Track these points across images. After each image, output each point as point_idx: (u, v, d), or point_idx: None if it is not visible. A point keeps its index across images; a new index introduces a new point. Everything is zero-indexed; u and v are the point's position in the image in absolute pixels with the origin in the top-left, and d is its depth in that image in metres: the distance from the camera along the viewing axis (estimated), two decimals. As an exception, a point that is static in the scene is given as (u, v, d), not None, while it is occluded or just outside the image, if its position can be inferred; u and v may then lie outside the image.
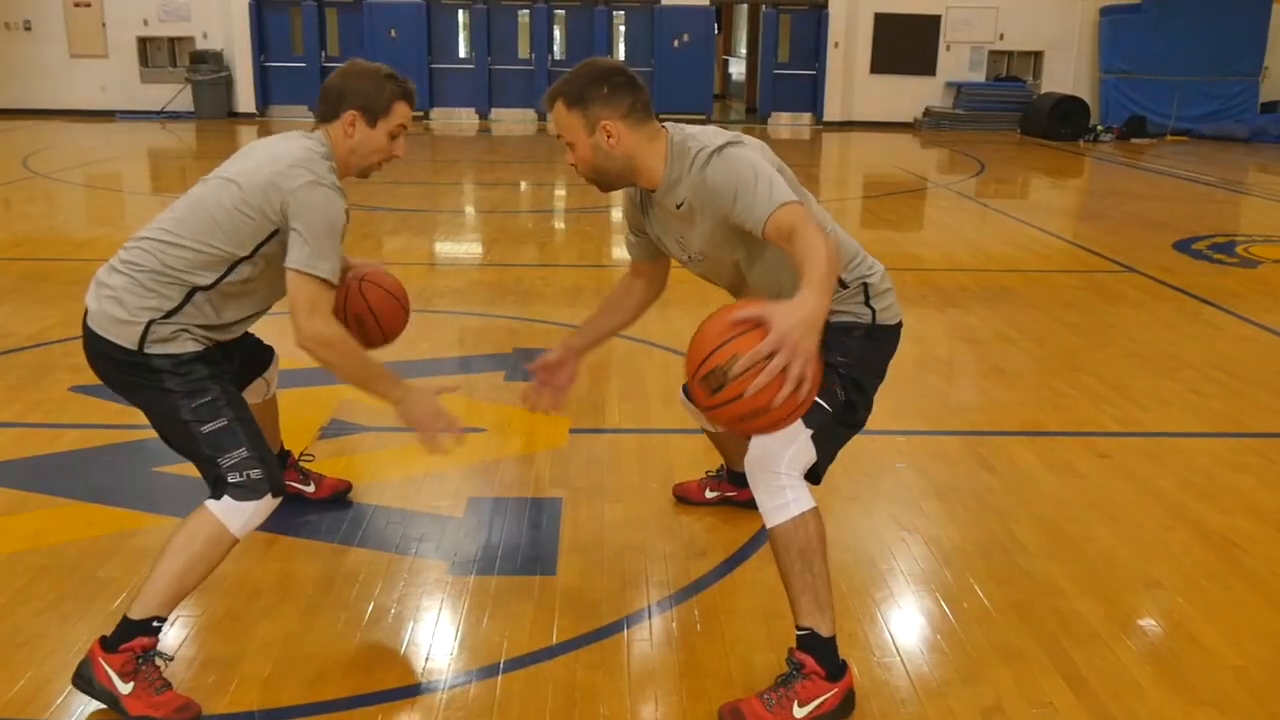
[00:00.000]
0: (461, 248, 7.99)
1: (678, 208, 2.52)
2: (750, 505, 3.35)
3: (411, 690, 2.54)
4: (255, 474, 2.49)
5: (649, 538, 3.32)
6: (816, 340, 2.06)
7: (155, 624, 2.43)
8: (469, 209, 10.18)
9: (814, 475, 2.55)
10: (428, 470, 3.81)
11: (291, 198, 2.49)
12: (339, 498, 3.53)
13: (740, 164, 2.38)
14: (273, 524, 3.30)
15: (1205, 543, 3.36)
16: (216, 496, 2.49)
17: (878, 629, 2.85)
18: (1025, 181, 13.29)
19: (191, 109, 18.25)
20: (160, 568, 2.44)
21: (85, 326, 2.57)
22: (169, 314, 2.51)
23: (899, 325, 2.71)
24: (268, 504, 2.52)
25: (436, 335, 5.59)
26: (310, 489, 3.51)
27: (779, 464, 2.44)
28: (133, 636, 2.40)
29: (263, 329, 2.99)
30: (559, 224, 9.36)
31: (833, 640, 2.43)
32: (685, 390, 3.10)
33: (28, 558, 3.13)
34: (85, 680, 2.41)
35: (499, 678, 2.58)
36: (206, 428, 2.50)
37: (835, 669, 2.42)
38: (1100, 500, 3.67)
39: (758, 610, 2.91)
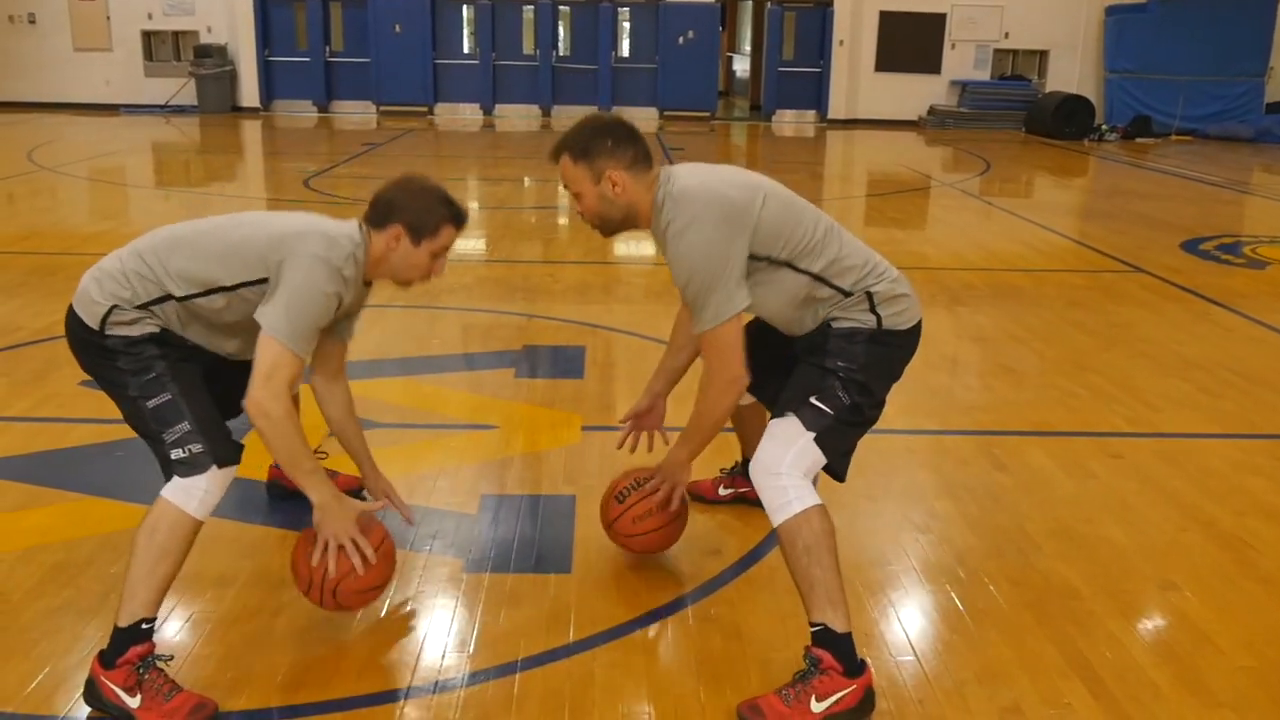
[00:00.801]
0: (468, 244, 7.98)
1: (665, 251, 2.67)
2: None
3: (429, 687, 2.53)
4: (196, 448, 2.47)
5: (663, 536, 3.32)
6: (686, 474, 2.94)
7: (144, 626, 2.41)
8: (474, 205, 10.17)
9: (835, 473, 2.63)
10: (440, 467, 3.81)
11: (292, 259, 2.50)
12: (352, 494, 3.52)
13: (695, 261, 2.50)
14: (289, 521, 3.35)
15: (1219, 544, 3.36)
16: (167, 479, 2.49)
17: (893, 628, 2.85)
18: (1031, 180, 13.28)
19: (195, 103, 18.24)
20: (131, 568, 2.43)
21: (69, 307, 2.64)
22: (139, 307, 2.55)
23: (912, 330, 2.71)
24: (218, 478, 2.49)
25: (445, 332, 5.59)
26: (324, 486, 3.49)
27: (780, 465, 2.51)
28: (126, 647, 2.38)
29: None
30: (564, 220, 9.35)
31: (848, 636, 2.44)
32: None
33: (40, 553, 3.13)
34: (96, 699, 2.40)
35: (517, 675, 2.58)
36: (152, 403, 2.51)
37: (853, 665, 2.43)
38: (1113, 501, 3.67)
39: (774, 608, 2.91)
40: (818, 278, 2.62)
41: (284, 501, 3.46)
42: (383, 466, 3.75)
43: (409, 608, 2.90)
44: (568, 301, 6.20)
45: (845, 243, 2.67)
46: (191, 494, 2.46)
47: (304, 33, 18.84)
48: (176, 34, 18.78)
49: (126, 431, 4.07)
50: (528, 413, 4.38)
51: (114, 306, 2.54)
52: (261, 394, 2.45)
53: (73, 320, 2.61)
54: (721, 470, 3.57)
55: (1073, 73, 19.10)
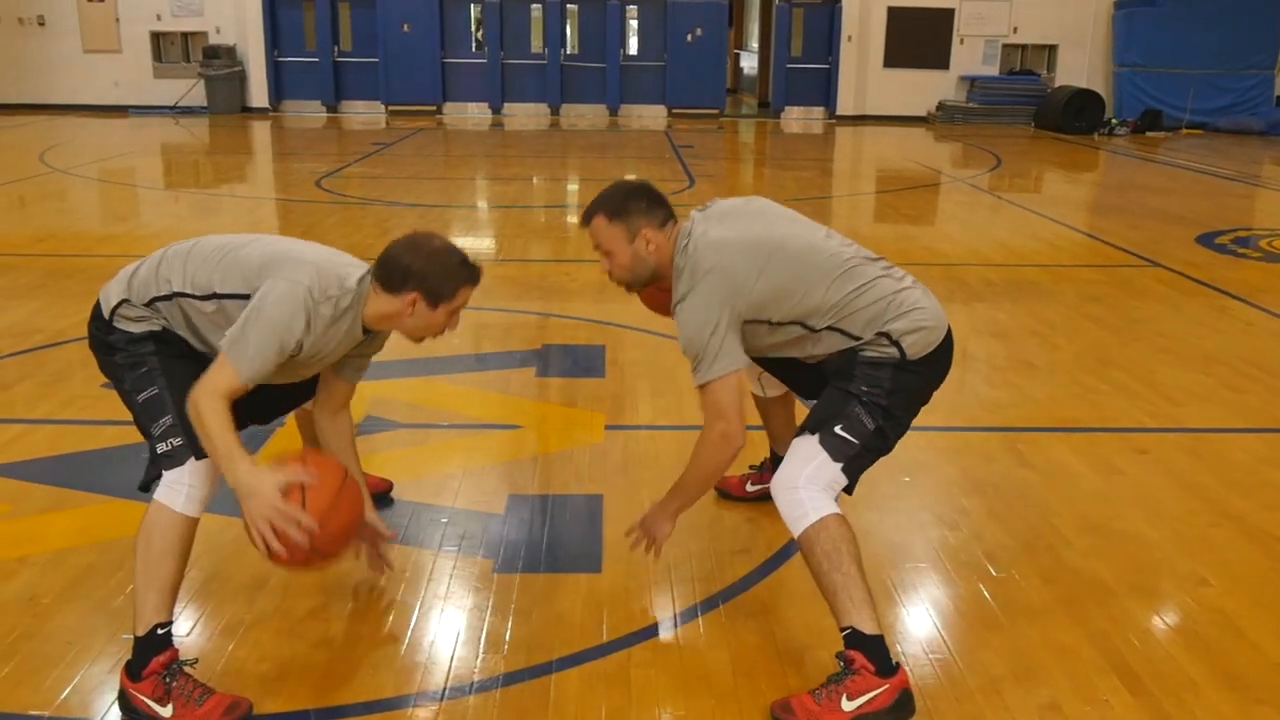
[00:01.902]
0: (482, 243, 7.98)
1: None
2: None
3: (466, 688, 2.53)
4: (176, 441, 2.48)
5: (692, 534, 3.31)
6: (667, 526, 2.85)
7: (160, 631, 2.41)
8: (487, 204, 10.17)
9: (846, 489, 2.65)
10: (465, 467, 3.81)
11: (272, 282, 2.49)
12: (381, 496, 3.53)
13: (692, 326, 2.58)
14: (316, 521, 3.33)
15: (1250, 539, 3.35)
16: (154, 476, 2.50)
17: (927, 626, 2.84)
18: (1043, 175, 13.24)
19: (204, 104, 18.26)
20: (137, 576, 2.44)
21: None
22: (146, 304, 2.60)
23: (937, 353, 2.68)
24: (200, 471, 2.46)
25: (465, 332, 5.58)
26: (350, 486, 3.50)
27: (797, 479, 2.55)
28: (149, 656, 2.39)
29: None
30: (577, 219, 9.34)
31: (879, 638, 2.43)
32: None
33: (72, 555, 3.14)
34: (130, 712, 2.40)
35: (552, 676, 2.58)
36: (142, 396, 2.55)
37: (885, 665, 2.42)
38: (1141, 496, 3.65)
39: (805, 607, 2.90)
40: (831, 329, 2.63)
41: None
42: (408, 467, 3.78)
43: (443, 609, 2.90)
44: (585, 300, 6.20)
45: (865, 287, 2.62)
46: (177, 490, 2.46)
47: (313, 33, 18.84)
48: (185, 35, 18.79)
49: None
50: (551, 412, 4.38)
51: (124, 300, 2.61)
52: (196, 394, 2.43)
53: (92, 313, 2.69)
54: (751, 467, 3.56)
55: (1082, 67, 19.03)
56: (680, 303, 2.62)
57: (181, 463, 2.47)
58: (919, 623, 2.86)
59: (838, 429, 2.56)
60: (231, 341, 2.47)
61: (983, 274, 7.03)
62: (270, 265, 2.54)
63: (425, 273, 2.55)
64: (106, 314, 2.62)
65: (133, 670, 2.41)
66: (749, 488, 3.53)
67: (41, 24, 18.57)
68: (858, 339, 2.63)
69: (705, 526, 3.38)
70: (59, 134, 15.14)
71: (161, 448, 2.49)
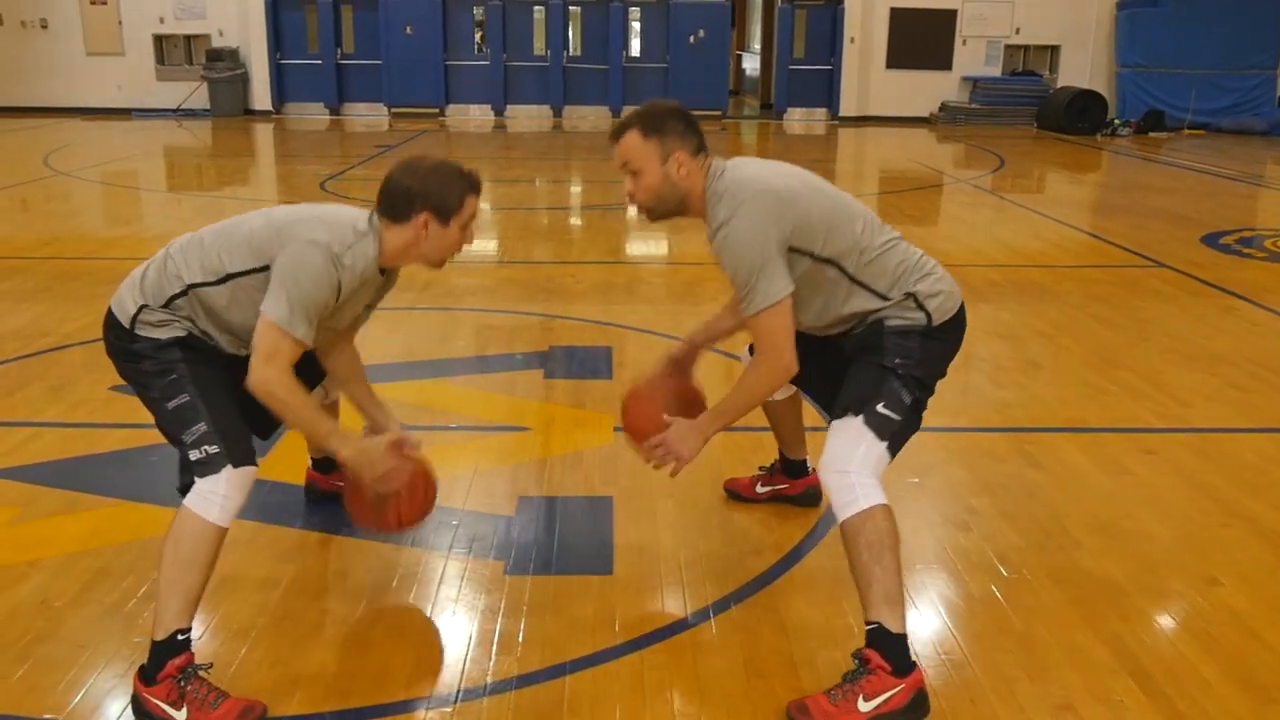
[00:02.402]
0: (488, 245, 7.98)
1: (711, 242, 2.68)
2: (801, 501, 3.42)
3: (480, 690, 2.53)
4: (212, 449, 2.48)
5: (703, 535, 3.32)
6: (696, 445, 2.76)
7: (180, 637, 2.41)
8: (492, 206, 10.17)
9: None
10: (475, 469, 3.81)
11: (289, 245, 2.50)
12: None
13: (740, 249, 2.53)
14: (328, 524, 3.35)
15: (1262, 540, 3.34)
16: (187, 483, 2.50)
17: (941, 626, 2.84)
18: (1046, 176, 13.24)
19: (207, 107, 18.28)
20: (161, 580, 2.44)
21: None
22: (164, 306, 2.58)
23: (957, 318, 2.72)
24: (236, 480, 2.47)
25: (471, 334, 5.59)
26: (360, 489, 3.50)
27: (849, 463, 2.52)
28: (165, 660, 2.38)
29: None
30: (581, 221, 9.36)
31: (902, 637, 2.43)
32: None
33: (83, 559, 3.14)
34: (145, 717, 2.40)
35: (567, 678, 2.58)
36: (172, 404, 2.54)
37: (902, 664, 2.41)
38: (1151, 496, 3.65)
39: (818, 607, 2.91)
40: (859, 283, 2.64)
41: (321, 504, 3.46)
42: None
43: (455, 611, 2.90)
44: (590, 302, 6.20)
45: (892, 243, 2.69)
46: (211, 500, 2.45)
47: (315, 35, 18.86)
48: (188, 38, 18.82)
49: (161, 437, 4.11)
50: (559, 414, 4.38)
51: (143, 306, 2.59)
52: (264, 373, 2.47)
53: (107, 322, 2.67)
54: (761, 468, 3.56)
55: (1084, 68, 19.03)
56: (722, 228, 2.56)
57: (217, 470, 2.46)
58: (932, 623, 2.86)
59: (879, 407, 2.55)
60: (273, 310, 2.47)
61: (987, 275, 7.03)
62: (280, 233, 2.54)
63: (428, 190, 2.57)
64: (127, 322, 2.60)
65: (147, 674, 2.41)
66: (759, 489, 3.52)
67: (44, 27, 18.61)
68: (885, 300, 2.63)
69: (716, 528, 3.38)
70: (62, 137, 15.16)
71: (195, 455, 2.48)
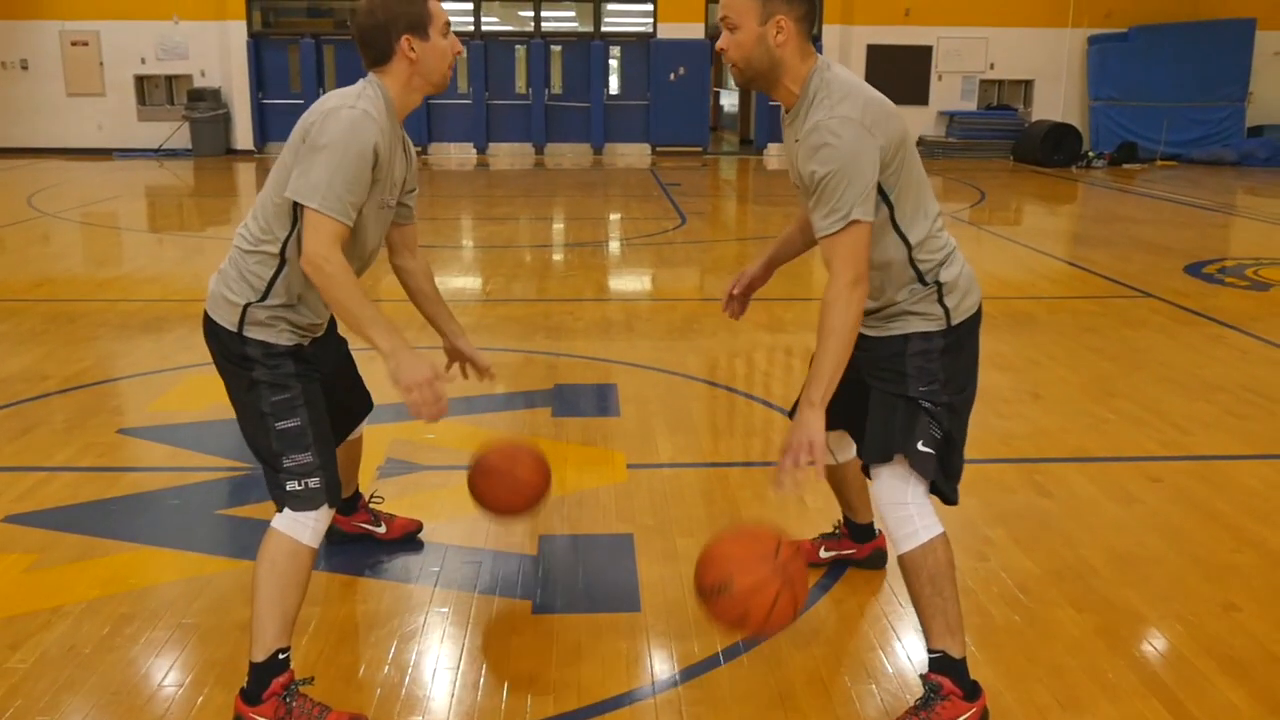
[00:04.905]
0: (483, 284, 8.02)
1: (796, 141, 2.50)
2: (867, 565, 3.33)
3: (520, 730, 2.54)
4: (314, 483, 2.50)
5: (726, 571, 3.33)
6: (816, 424, 2.36)
7: (281, 656, 2.46)
8: (480, 245, 10.22)
9: (945, 496, 2.59)
10: (493, 507, 3.82)
11: (317, 120, 2.40)
12: (410, 538, 3.54)
13: (841, 148, 2.33)
14: (351, 566, 3.36)
15: (1274, 564, 3.40)
16: (279, 508, 2.52)
17: (971, 656, 2.86)
18: (1027, 208, 13.43)
19: (189, 146, 18.28)
20: (258, 602, 2.47)
21: (204, 310, 2.62)
22: (264, 295, 2.52)
23: (976, 315, 2.63)
24: (327, 510, 2.54)
25: (474, 372, 5.59)
26: (381, 530, 3.51)
27: (905, 495, 2.52)
28: (269, 679, 2.43)
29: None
30: (572, 258, 9.41)
31: (964, 662, 2.49)
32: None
33: (107, 604, 3.12)
34: None
35: (606, 715, 2.59)
36: (281, 424, 2.52)
37: (970, 688, 2.48)
38: (1161, 524, 3.71)
39: (849, 640, 2.93)
40: (897, 226, 2.48)
41: (344, 545, 3.46)
42: (435, 509, 3.79)
43: (487, 652, 2.90)
44: (591, 338, 6.23)
45: (933, 205, 2.58)
46: (304, 524, 2.50)
47: (298, 75, 18.93)
48: (170, 78, 18.84)
49: (176, 479, 4.10)
50: (571, 452, 4.40)
51: (247, 305, 2.52)
52: (314, 249, 2.34)
53: (210, 324, 2.59)
54: (822, 534, 3.40)
55: (1057, 101, 19.38)
56: (828, 120, 2.36)
57: (316, 507, 2.50)
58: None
59: (920, 446, 2.49)
60: (301, 191, 2.35)
61: (980, 306, 7.11)
62: (305, 121, 2.44)
63: (395, 13, 2.50)
64: (234, 325, 2.52)
65: (251, 695, 2.44)
66: (823, 554, 3.35)
67: (25, 68, 18.60)
68: (910, 250, 2.48)
69: (738, 563, 3.40)
70: (45, 178, 15.10)
71: (294, 486, 2.49)
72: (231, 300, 2.54)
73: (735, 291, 3.11)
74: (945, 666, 2.45)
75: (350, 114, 2.40)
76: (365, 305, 2.38)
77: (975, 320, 2.65)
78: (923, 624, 2.51)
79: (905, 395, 2.54)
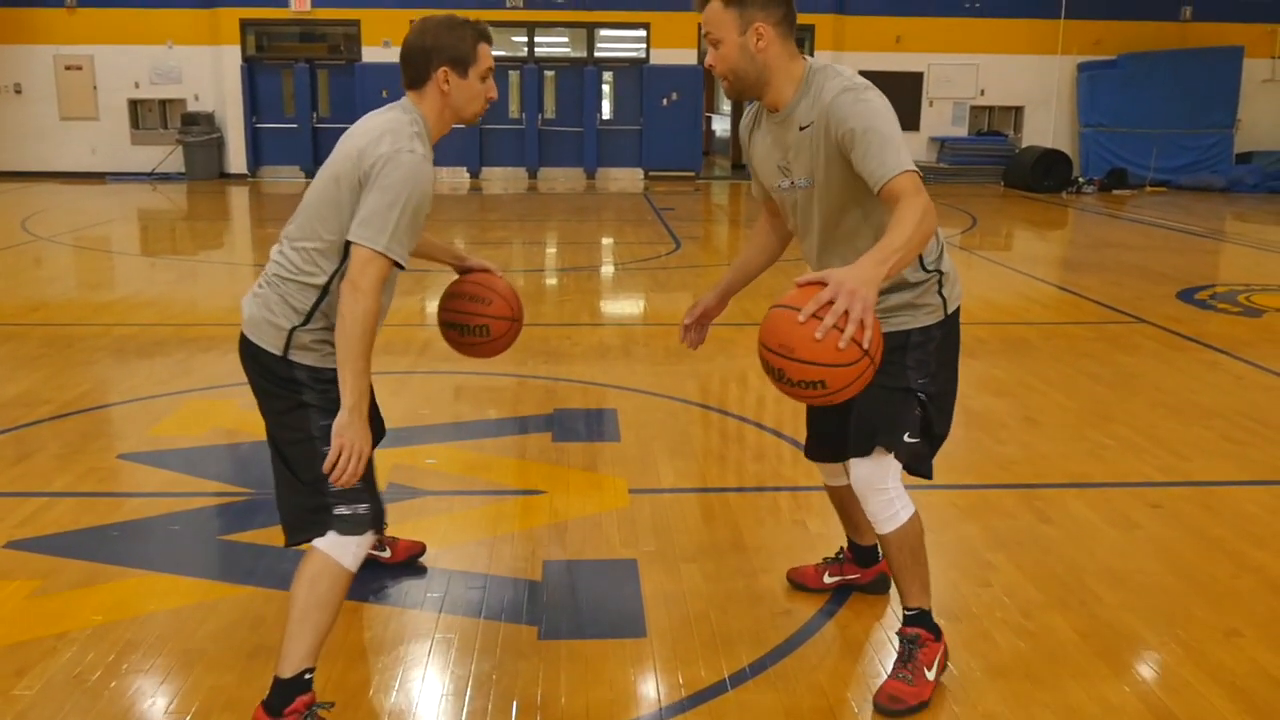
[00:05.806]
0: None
1: (802, 129, 2.56)
2: (871, 589, 3.37)
3: (530, 757, 2.54)
4: (363, 509, 2.54)
5: (730, 598, 3.35)
6: (874, 293, 2.14)
7: (307, 676, 2.49)
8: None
9: (924, 472, 2.84)
10: (495, 533, 3.83)
11: (378, 163, 2.45)
12: (413, 560, 3.55)
13: (877, 114, 2.43)
14: (355, 592, 3.34)
15: (1275, 591, 3.42)
16: (320, 533, 2.52)
17: (974, 682, 2.88)
18: (1019, 234, 13.53)
19: (182, 170, 18.31)
20: (293, 620, 2.49)
21: (241, 333, 2.63)
22: (307, 319, 2.54)
23: (957, 311, 2.81)
24: (371, 536, 2.60)
25: (474, 398, 5.61)
26: (386, 554, 3.52)
27: (885, 480, 2.75)
28: (293, 696, 2.46)
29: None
30: (567, 282, 9.44)
31: (930, 610, 2.86)
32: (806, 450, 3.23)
33: (113, 630, 3.12)
34: None
35: (615, 742, 2.59)
36: (329, 448, 2.49)
37: (937, 630, 2.87)
38: (1162, 550, 3.73)
39: (853, 664, 2.94)
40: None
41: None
42: (437, 534, 3.79)
43: (494, 679, 2.90)
44: (589, 363, 6.25)
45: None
46: (347, 548, 2.53)
47: (291, 99, 18.98)
48: (163, 102, 18.88)
49: (177, 505, 4.10)
50: (573, 477, 4.41)
51: (293, 329, 2.54)
52: (363, 284, 2.39)
53: (252, 347, 2.59)
54: (825, 558, 3.43)
55: (1048, 128, 19.55)
56: (847, 93, 2.45)
57: (363, 531, 2.54)
58: (967, 681, 2.90)
59: (905, 437, 2.72)
60: (363, 235, 2.41)
61: (974, 332, 7.16)
62: (361, 155, 2.48)
63: (441, 43, 2.59)
64: (280, 350, 2.54)
65: (274, 707, 2.47)
66: (827, 579, 3.38)
67: (18, 92, 18.63)
68: (928, 271, 2.69)
69: (742, 590, 3.41)
70: (38, 201, 15.10)
71: (342, 510, 2.51)
72: (276, 324, 2.55)
73: (688, 322, 3.15)
74: (920, 620, 2.82)
75: (412, 159, 2.47)
76: (366, 353, 2.45)
77: (957, 313, 2.84)
78: (901, 589, 2.83)
79: (904, 387, 2.72)
